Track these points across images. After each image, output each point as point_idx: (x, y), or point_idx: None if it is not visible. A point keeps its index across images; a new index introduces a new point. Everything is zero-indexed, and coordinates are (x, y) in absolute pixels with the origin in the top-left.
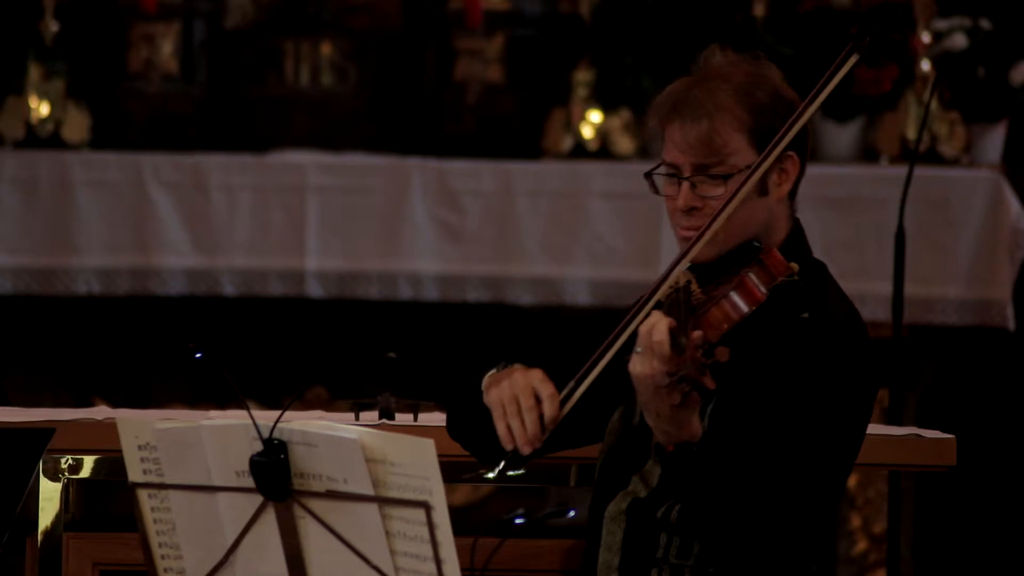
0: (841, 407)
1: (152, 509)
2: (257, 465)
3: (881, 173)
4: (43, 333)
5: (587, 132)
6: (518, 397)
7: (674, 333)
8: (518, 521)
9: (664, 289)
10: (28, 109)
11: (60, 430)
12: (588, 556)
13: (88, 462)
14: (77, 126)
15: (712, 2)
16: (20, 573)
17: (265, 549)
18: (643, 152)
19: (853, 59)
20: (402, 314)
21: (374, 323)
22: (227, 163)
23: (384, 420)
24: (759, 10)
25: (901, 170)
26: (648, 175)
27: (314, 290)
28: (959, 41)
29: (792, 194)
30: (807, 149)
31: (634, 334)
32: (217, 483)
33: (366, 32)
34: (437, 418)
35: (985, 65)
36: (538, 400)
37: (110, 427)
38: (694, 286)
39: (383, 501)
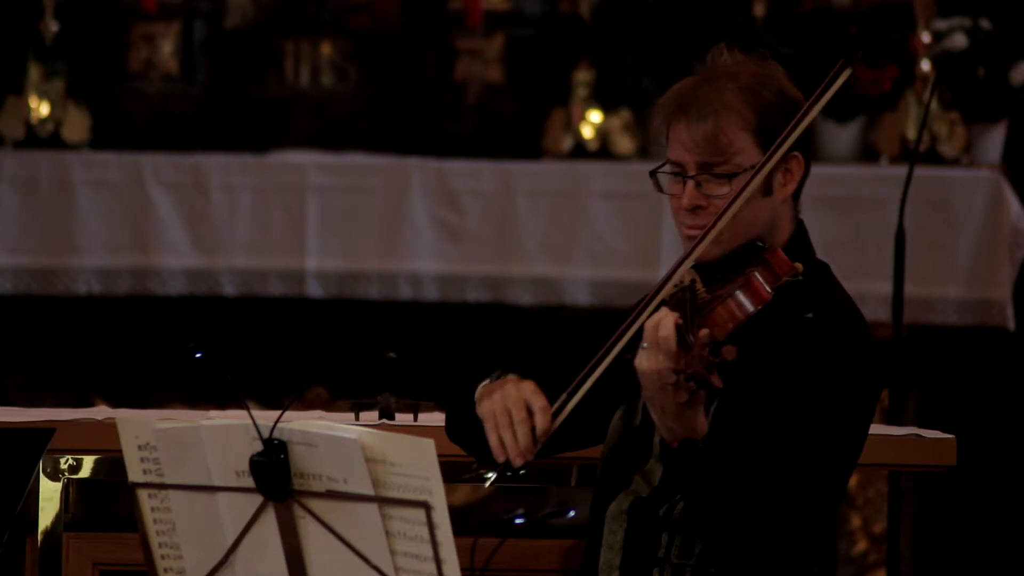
0: (844, 407)
1: (152, 509)
2: (257, 465)
3: (881, 173)
4: (43, 333)
5: (587, 132)
6: (510, 409)
7: (681, 330)
8: (518, 521)
9: (668, 288)
10: (28, 109)
11: (60, 430)
12: (589, 556)
13: (88, 462)
14: (77, 126)
15: (712, 2)
16: (20, 573)
17: (265, 549)
18: (643, 152)
19: (846, 74)
20: (402, 314)
21: (374, 323)
22: (227, 163)
23: (384, 420)
24: (759, 10)
25: (901, 170)
26: (653, 173)
27: (314, 290)
28: (959, 41)
29: (796, 195)
30: (812, 150)
31: (637, 334)
32: (217, 483)
33: (366, 32)
34: (437, 418)
35: (985, 65)
36: (530, 412)
37: (110, 427)
38: (699, 285)
39: (383, 501)
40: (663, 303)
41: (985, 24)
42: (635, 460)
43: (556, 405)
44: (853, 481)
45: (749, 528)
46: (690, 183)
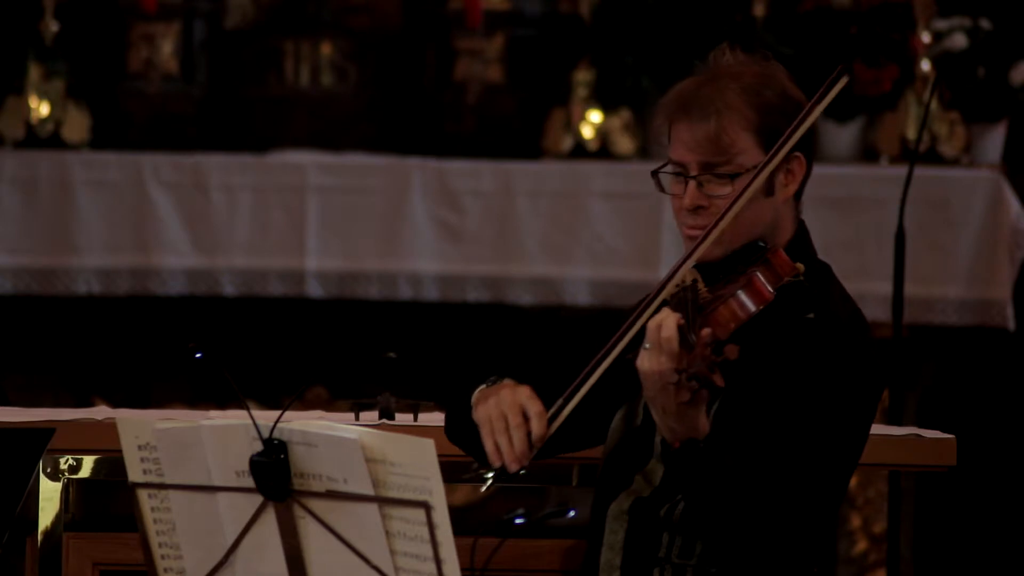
0: (845, 408)
1: (152, 509)
2: (257, 465)
3: (881, 173)
4: (43, 333)
5: (587, 132)
6: (506, 415)
7: (683, 330)
8: (518, 521)
9: (670, 288)
10: (28, 109)
11: (60, 430)
12: (590, 555)
13: (88, 462)
14: (77, 126)
15: (712, 2)
16: (20, 573)
17: (265, 549)
18: (643, 152)
19: (842, 82)
20: (402, 314)
21: (374, 323)
22: (227, 163)
23: (384, 420)
24: (759, 10)
25: (901, 170)
26: (655, 173)
27: (314, 290)
28: (959, 41)
29: (798, 195)
30: (814, 151)
31: (638, 334)
32: (217, 483)
33: (366, 32)
34: (437, 418)
35: (985, 65)
36: (526, 418)
37: (110, 427)
38: (700, 285)
39: (383, 501)
40: (665, 303)
41: (985, 24)
42: (636, 460)
43: (552, 410)
44: (853, 481)
45: (750, 528)
46: (692, 183)
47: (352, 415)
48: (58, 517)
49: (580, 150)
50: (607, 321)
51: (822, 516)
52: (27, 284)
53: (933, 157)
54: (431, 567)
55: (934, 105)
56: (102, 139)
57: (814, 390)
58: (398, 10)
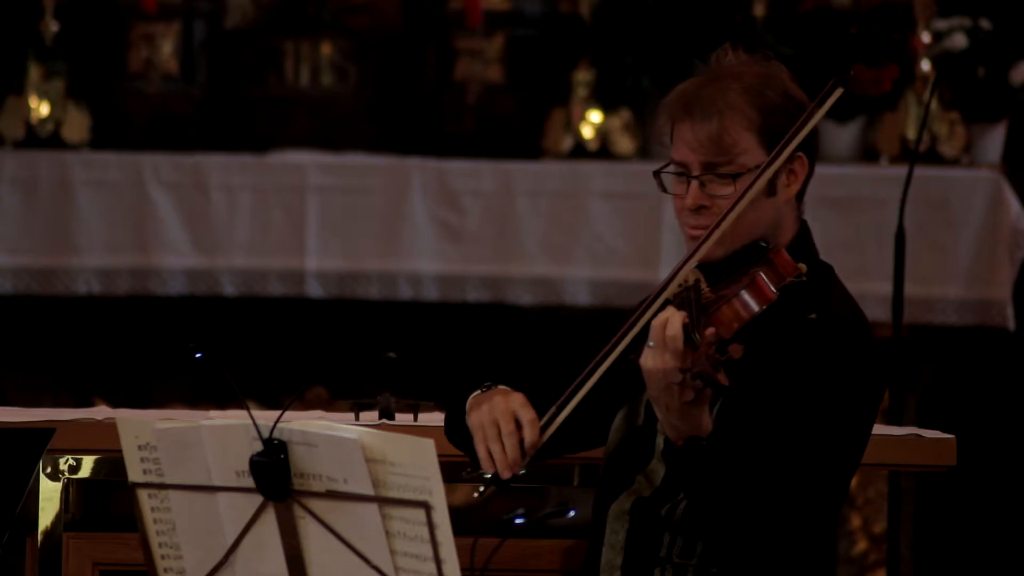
0: (847, 408)
1: (152, 509)
2: (257, 465)
3: (881, 173)
4: (43, 333)
5: (587, 132)
6: (498, 422)
7: (687, 329)
8: (518, 521)
9: (673, 287)
10: (28, 109)
11: (60, 430)
12: (591, 555)
13: (88, 462)
14: (77, 126)
15: (712, 2)
16: (20, 573)
17: (265, 549)
18: (643, 152)
19: (838, 93)
20: (402, 314)
21: (374, 323)
22: (227, 163)
23: (384, 420)
24: (759, 10)
25: (901, 170)
26: (657, 173)
27: (314, 290)
28: (959, 41)
29: (800, 195)
30: (816, 151)
31: (639, 334)
32: (217, 483)
33: (366, 32)
34: (437, 418)
35: (985, 65)
36: (519, 425)
37: (110, 427)
38: (703, 285)
39: (383, 501)
40: (668, 303)
41: (985, 24)
42: (637, 460)
43: (545, 418)
44: (853, 481)
45: (752, 527)
46: (694, 183)
47: (352, 415)
48: (58, 517)
49: (580, 150)
50: (607, 321)
51: (823, 516)
52: (27, 284)
53: (933, 157)
54: (431, 567)
55: (934, 105)
56: (102, 139)
57: (816, 390)
58: (398, 10)
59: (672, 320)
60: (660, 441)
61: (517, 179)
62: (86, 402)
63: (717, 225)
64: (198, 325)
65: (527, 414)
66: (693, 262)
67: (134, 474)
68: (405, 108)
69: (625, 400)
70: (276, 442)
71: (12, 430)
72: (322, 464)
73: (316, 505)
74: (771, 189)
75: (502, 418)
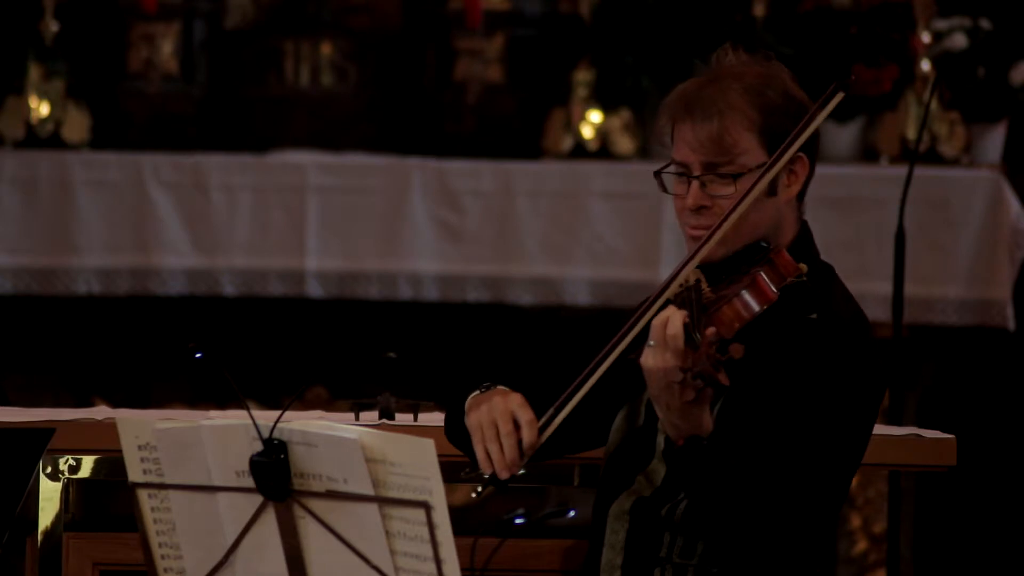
0: (847, 408)
1: (152, 509)
2: (257, 465)
3: (881, 173)
4: (43, 333)
5: (587, 132)
6: (497, 422)
7: (688, 328)
8: (518, 521)
9: (674, 287)
10: (28, 109)
11: (60, 430)
12: (591, 555)
13: (88, 462)
14: (77, 126)
15: (712, 2)
16: (20, 573)
17: (265, 549)
18: (643, 152)
19: (838, 98)
20: (402, 314)
21: (374, 323)
22: (227, 163)
23: (384, 420)
24: (759, 10)
25: (901, 170)
26: (658, 174)
27: (314, 290)
28: (959, 41)
29: (801, 196)
30: (817, 151)
31: (640, 334)
32: (217, 483)
33: (366, 32)
34: (437, 418)
35: (985, 65)
36: (517, 426)
37: (110, 427)
38: (704, 285)
39: (383, 501)
40: (668, 302)
41: (985, 24)
42: (638, 460)
43: (543, 419)
44: (853, 481)
45: (752, 527)
46: (695, 183)
47: (352, 415)
48: (58, 517)
49: (580, 150)
50: (607, 321)
51: (824, 516)
52: (27, 284)
53: (933, 157)
54: (431, 567)
55: (934, 105)
56: (102, 139)
57: (816, 390)
58: (398, 10)
59: (673, 319)
60: (661, 441)
61: (517, 179)
62: (86, 402)
63: (718, 227)
64: (198, 325)
65: (525, 415)
66: (694, 263)
67: (134, 474)
68: (405, 108)
69: (626, 400)
70: (276, 442)
71: (12, 430)
72: (322, 464)
73: (316, 505)
74: (772, 189)
75: (500, 419)
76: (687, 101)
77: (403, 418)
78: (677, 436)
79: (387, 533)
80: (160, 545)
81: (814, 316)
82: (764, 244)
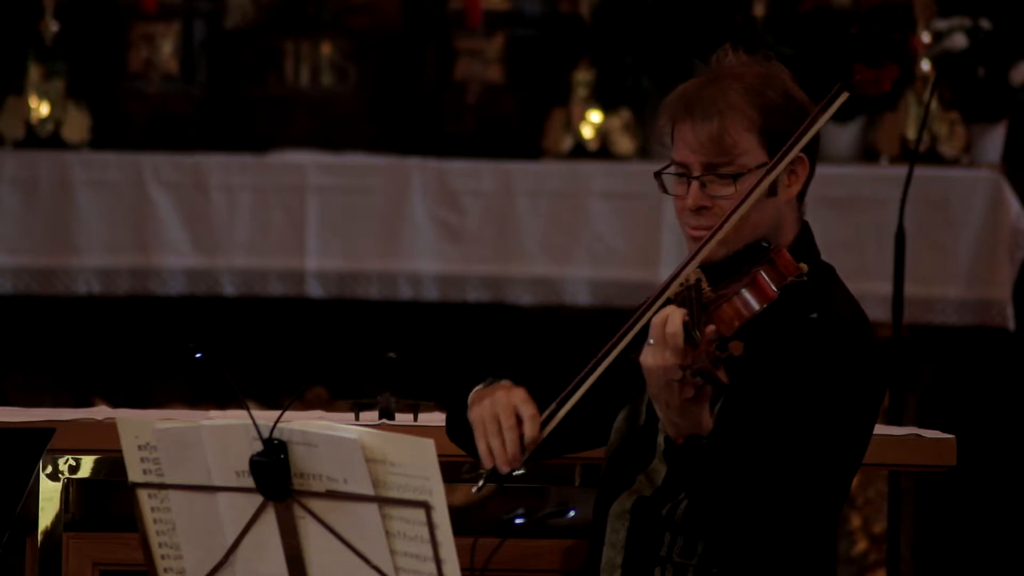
0: (848, 408)
1: (152, 509)
2: (257, 465)
3: (881, 173)
4: (43, 333)
5: (587, 132)
6: (499, 417)
7: (687, 326)
8: (518, 521)
9: (674, 287)
10: (28, 109)
11: (60, 430)
12: (592, 554)
13: (88, 462)
14: (77, 126)
15: (712, 2)
16: (20, 573)
17: (265, 549)
18: (643, 152)
19: (843, 98)
20: (402, 314)
21: (374, 323)
22: (227, 163)
23: (384, 420)
24: (759, 10)
25: (901, 170)
26: (658, 174)
27: (314, 290)
28: (959, 41)
29: (801, 196)
30: (817, 152)
31: (640, 334)
32: (217, 483)
33: (366, 32)
34: (437, 418)
35: (985, 65)
36: (519, 420)
37: (110, 427)
38: (704, 284)
39: (383, 501)
40: (669, 302)
41: (985, 24)
42: (639, 460)
43: (546, 414)
44: (853, 481)
45: (753, 527)
46: (695, 184)
47: (352, 415)
48: (58, 517)
49: (580, 150)
50: (607, 321)
51: (824, 515)
52: (27, 284)
53: (933, 157)
54: (431, 567)
55: (934, 105)
56: (102, 139)
57: (817, 390)
58: (398, 10)
59: (672, 317)
60: (662, 441)
61: (517, 179)
62: (86, 402)
63: (719, 228)
64: (198, 325)
65: (528, 409)
66: (695, 263)
67: (134, 474)
68: (405, 108)
69: (627, 400)
70: (276, 442)
71: (12, 430)
72: (322, 464)
73: (316, 505)
74: (772, 190)
75: (503, 413)
76: (687, 101)
77: (403, 418)
78: (677, 435)
79: (387, 533)
80: (160, 545)
81: (815, 316)
82: (765, 244)
